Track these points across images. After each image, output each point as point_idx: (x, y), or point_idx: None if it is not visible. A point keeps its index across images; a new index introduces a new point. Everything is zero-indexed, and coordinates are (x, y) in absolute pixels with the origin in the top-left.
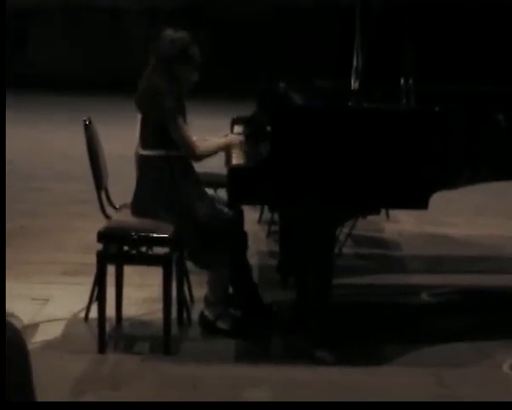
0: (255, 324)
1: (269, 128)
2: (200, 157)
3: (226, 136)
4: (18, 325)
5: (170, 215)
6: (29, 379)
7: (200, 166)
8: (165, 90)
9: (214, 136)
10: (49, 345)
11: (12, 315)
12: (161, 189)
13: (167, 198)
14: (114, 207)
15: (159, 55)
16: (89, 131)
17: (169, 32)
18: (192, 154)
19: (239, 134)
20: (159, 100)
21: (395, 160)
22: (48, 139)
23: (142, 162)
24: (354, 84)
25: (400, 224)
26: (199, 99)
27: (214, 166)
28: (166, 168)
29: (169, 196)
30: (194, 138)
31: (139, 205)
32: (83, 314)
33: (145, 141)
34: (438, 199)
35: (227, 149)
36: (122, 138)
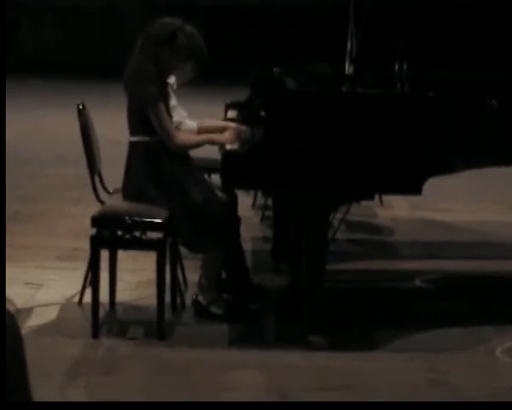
0: (248, 308)
1: (263, 113)
2: (179, 148)
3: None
4: (12, 309)
5: (162, 201)
6: (23, 364)
7: (193, 152)
8: (149, 73)
9: (213, 119)
10: (42, 329)
11: (6, 299)
12: (151, 175)
13: (156, 183)
14: (108, 192)
15: (146, 36)
16: (82, 115)
17: (163, 18)
18: (170, 142)
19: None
20: (141, 84)
21: (389, 145)
22: (41, 124)
23: (130, 148)
24: (348, 69)
25: (394, 209)
26: (193, 84)
27: (209, 151)
28: (153, 155)
29: (160, 182)
30: (196, 122)
31: (129, 191)
32: (76, 299)
33: (132, 127)
34: (431, 185)
35: (211, 144)
36: (115, 123)
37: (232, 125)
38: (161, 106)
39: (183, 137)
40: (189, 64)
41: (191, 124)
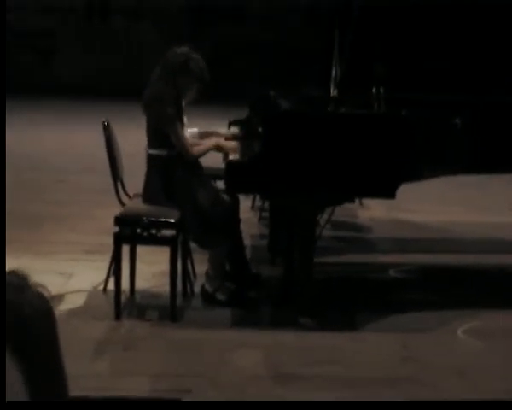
0: (248, 295)
1: (260, 129)
2: (193, 158)
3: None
4: (47, 294)
5: (175, 204)
6: (57, 342)
7: (202, 161)
8: (167, 97)
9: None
10: (73, 313)
11: (41, 286)
12: (166, 183)
13: (172, 192)
14: (128, 196)
15: (164, 65)
16: (107, 131)
17: (177, 47)
18: (187, 155)
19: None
20: (160, 106)
21: (367, 156)
22: (70, 138)
23: (148, 159)
24: (333, 92)
25: (372, 210)
26: (199, 104)
27: (214, 160)
28: (169, 166)
29: (173, 189)
30: (194, 130)
31: (148, 196)
32: (101, 287)
33: (150, 141)
34: (404, 189)
35: (216, 150)
36: (136, 137)
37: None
38: (178, 125)
39: (195, 149)
40: (196, 86)
41: (192, 130)
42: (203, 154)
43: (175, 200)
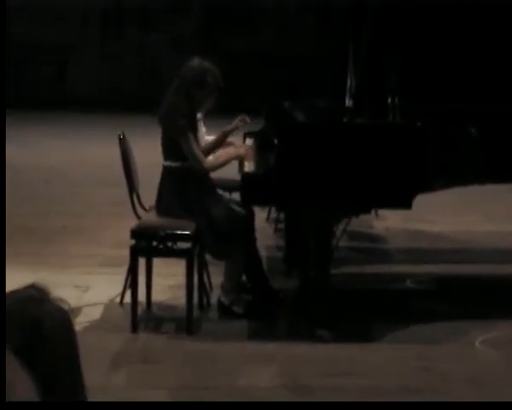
0: (264, 307)
1: (276, 141)
2: (206, 170)
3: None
4: (66, 307)
5: (189, 217)
6: (77, 354)
7: (218, 173)
8: (181, 109)
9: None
10: (90, 325)
11: (61, 299)
12: (180, 195)
13: (186, 203)
14: (144, 209)
15: (181, 78)
16: (122, 144)
17: (193, 60)
18: (200, 166)
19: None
20: (174, 117)
21: (383, 168)
22: (87, 151)
23: (163, 171)
24: (348, 103)
25: (388, 221)
26: (216, 115)
27: (229, 172)
28: (183, 178)
29: (187, 201)
30: (212, 138)
31: (162, 207)
32: (118, 299)
33: (165, 153)
34: (420, 199)
35: (230, 161)
36: (152, 150)
37: (236, 152)
38: (191, 136)
39: (208, 162)
40: (213, 96)
41: (210, 138)
42: (216, 167)
43: (188, 211)
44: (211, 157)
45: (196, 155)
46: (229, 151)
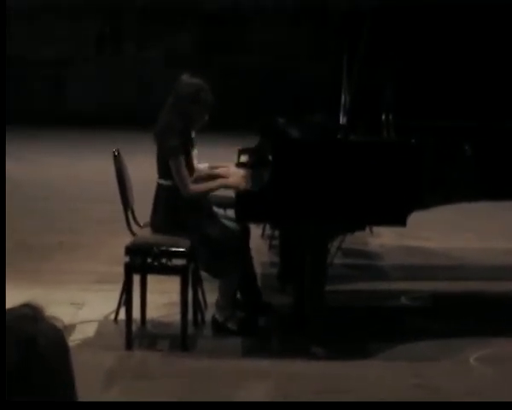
0: (258, 324)
1: (270, 157)
2: (190, 196)
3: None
4: (60, 325)
5: (184, 234)
6: (70, 371)
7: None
8: (176, 128)
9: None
10: (84, 342)
11: (55, 318)
12: (174, 213)
13: (180, 221)
14: (139, 225)
15: (175, 95)
16: (117, 160)
17: (185, 77)
18: (184, 191)
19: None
20: (168, 137)
21: (378, 185)
22: (84, 167)
23: (157, 188)
24: (342, 120)
25: (382, 238)
26: (209, 131)
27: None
28: (177, 195)
29: (181, 219)
30: (205, 165)
31: (156, 225)
32: (113, 316)
33: (159, 170)
34: (414, 216)
35: (222, 188)
36: (147, 165)
37: (233, 172)
38: (181, 158)
39: (194, 188)
40: (206, 115)
41: (203, 166)
42: (202, 194)
43: (183, 229)
44: (197, 184)
45: (183, 180)
46: (227, 180)
